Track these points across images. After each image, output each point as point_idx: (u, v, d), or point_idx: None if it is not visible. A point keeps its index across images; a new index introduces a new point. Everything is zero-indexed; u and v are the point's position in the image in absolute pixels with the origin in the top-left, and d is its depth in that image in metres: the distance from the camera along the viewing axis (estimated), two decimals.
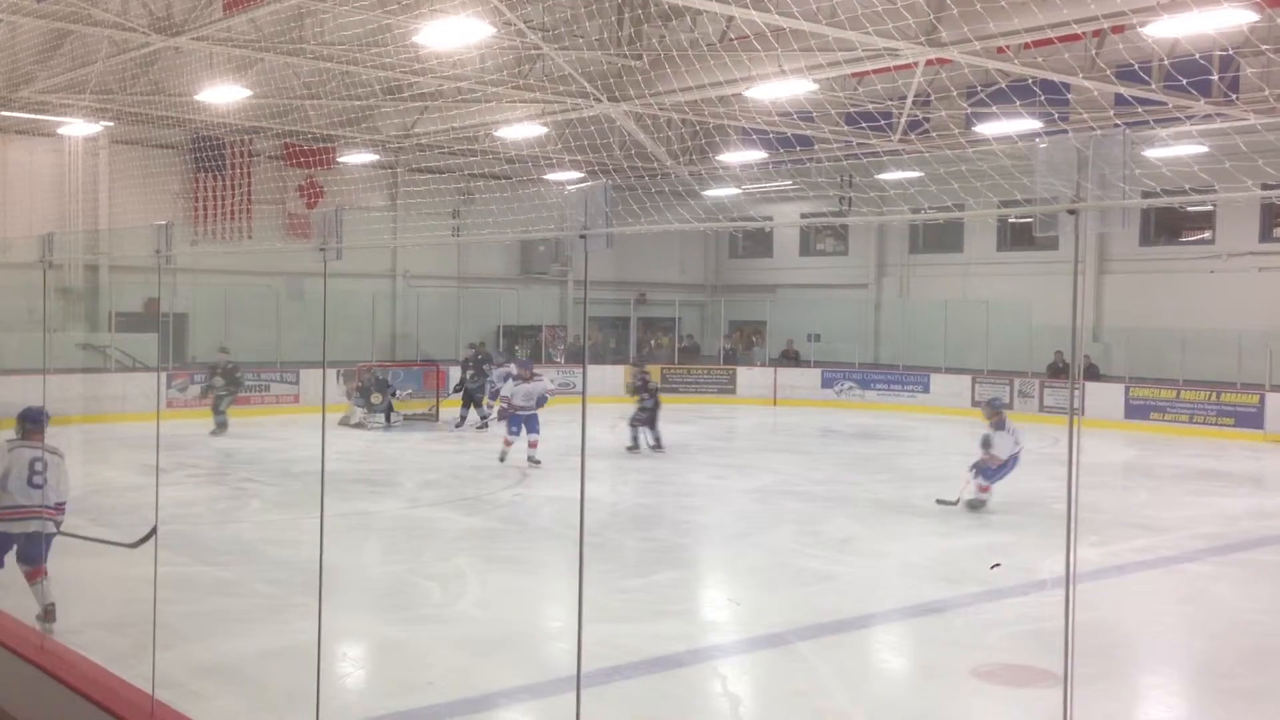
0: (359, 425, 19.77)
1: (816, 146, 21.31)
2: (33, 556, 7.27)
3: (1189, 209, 23.61)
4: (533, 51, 16.95)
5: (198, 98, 17.40)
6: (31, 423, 7.48)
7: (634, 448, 16.99)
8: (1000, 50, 14.33)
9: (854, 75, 17.24)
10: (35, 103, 18.69)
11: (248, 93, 17.33)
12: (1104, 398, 21.84)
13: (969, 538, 11.35)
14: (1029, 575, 9.57)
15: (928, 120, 19.85)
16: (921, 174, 21.04)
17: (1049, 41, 13.47)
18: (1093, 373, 23.09)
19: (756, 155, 22.78)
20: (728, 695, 6.76)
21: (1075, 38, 13.69)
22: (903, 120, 18.96)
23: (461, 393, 20.59)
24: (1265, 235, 22.73)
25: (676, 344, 29.62)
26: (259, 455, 16.50)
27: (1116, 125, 15.42)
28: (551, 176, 24.51)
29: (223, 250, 24.35)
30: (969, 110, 18.00)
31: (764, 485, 14.60)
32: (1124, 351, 23.19)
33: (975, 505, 12.43)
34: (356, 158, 24.01)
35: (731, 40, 16.19)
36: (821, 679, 7.00)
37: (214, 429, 18.31)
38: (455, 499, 13.52)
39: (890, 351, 28.16)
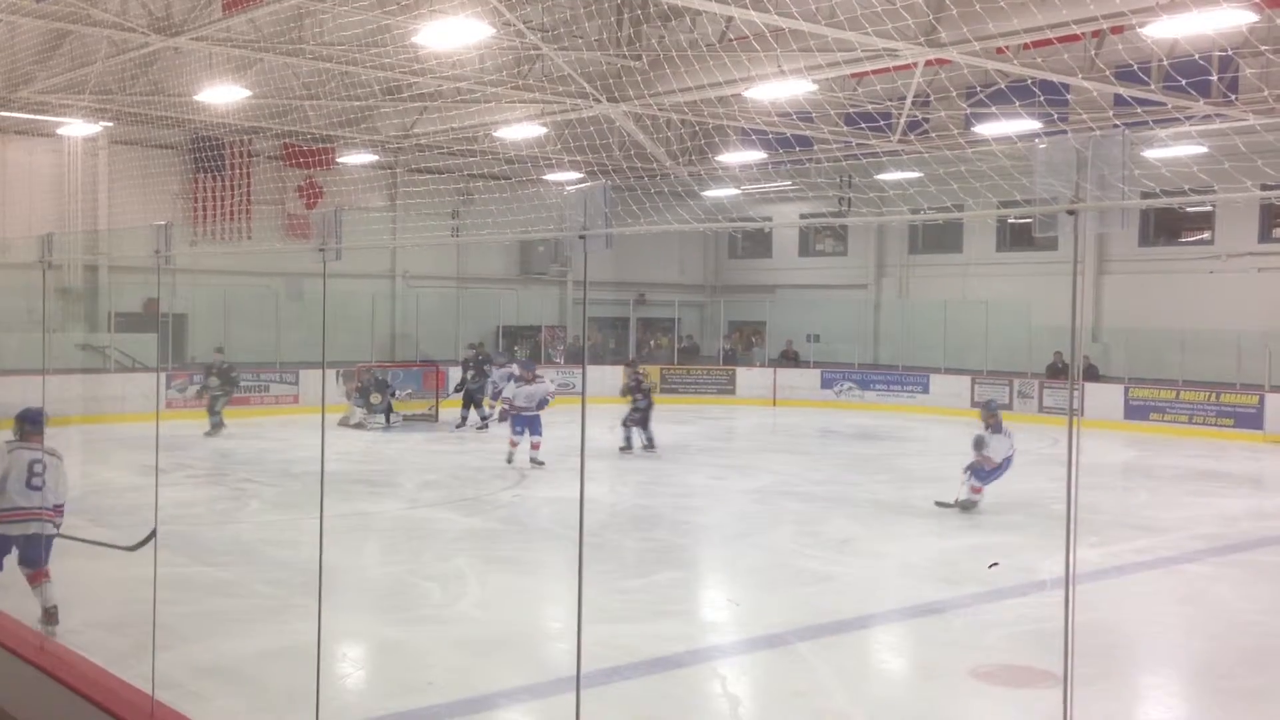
0: (359, 426, 19.77)
1: (816, 147, 21.33)
2: (33, 559, 7.26)
3: (1188, 210, 23.60)
4: (532, 52, 16.95)
5: (197, 98, 17.41)
6: (31, 424, 7.47)
7: (627, 448, 16.98)
8: (999, 51, 14.34)
9: (853, 76, 17.25)
10: (35, 103, 18.68)
11: (247, 93, 17.33)
12: (1103, 398, 21.84)
13: (968, 538, 11.36)
14: (1029, 576, 9.57)
15: (927, 121, 19.85)
16: (921, 174, 21.01)
17: (1048, 42, 13.49)
18: (1092, 373, 23.09)
19: (756, 156, 22.77)
20: (727, 696, 6.76)
21: (1074, 38, 13.69)
22: (902, 121, 18.96)
23: (462, 393, 20.59)
24: (1264, 236, 22.73)
25: (676, 344, 29.63)
26: (258, 456, 16.50)
27: (1116, 126, 15.40)
28: (551, 177, 24.49)
29: (222, 250, 24.33)
30: (968, 111, 18.01)
31: (763, 486, 14.59)
32: (1123, 352, 23.20)
33: (967, 506, 12.43)
34: (356, 158, 24.00)
35: (731, 41, 16.20)
36: (821, 679, 7.00)
37: (209, 429, 18.32)
38: (455, 500, 13.52)
39: (890, 352, 28.14)
